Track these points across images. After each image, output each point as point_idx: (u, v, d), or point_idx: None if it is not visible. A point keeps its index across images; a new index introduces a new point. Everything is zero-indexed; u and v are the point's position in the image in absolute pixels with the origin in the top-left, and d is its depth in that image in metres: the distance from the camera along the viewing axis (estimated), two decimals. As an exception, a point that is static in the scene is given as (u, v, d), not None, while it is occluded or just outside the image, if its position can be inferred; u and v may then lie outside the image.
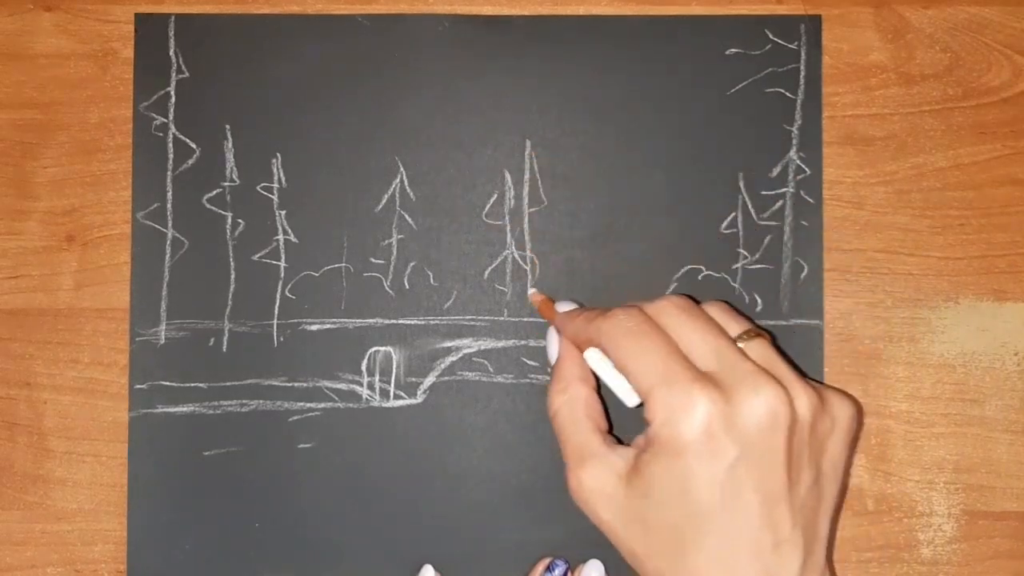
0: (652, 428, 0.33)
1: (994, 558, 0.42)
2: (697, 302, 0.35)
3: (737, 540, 0.32)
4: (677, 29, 0.42)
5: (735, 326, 0.35)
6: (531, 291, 0.42)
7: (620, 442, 0.35)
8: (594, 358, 0.36)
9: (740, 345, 0.34)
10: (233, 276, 0.42)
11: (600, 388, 0.37)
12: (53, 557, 0.42)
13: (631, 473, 0.34)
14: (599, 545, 0.41)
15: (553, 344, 0.38)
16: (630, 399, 0.35)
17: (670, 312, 0.35)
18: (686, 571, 0.32)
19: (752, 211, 0.42)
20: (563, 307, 0.38)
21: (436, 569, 0.41)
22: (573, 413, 0.36)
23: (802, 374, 0.34)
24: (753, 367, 0.33)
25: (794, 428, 0.33)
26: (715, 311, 0.36)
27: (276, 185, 0.42)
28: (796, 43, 0.42)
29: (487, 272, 0.42)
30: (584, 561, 0.40)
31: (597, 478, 0.34)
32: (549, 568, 0.40)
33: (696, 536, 0.32)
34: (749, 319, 0.36)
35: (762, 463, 0.32)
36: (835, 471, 0.34)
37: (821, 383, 0.35)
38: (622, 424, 0.37)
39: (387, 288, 0.42)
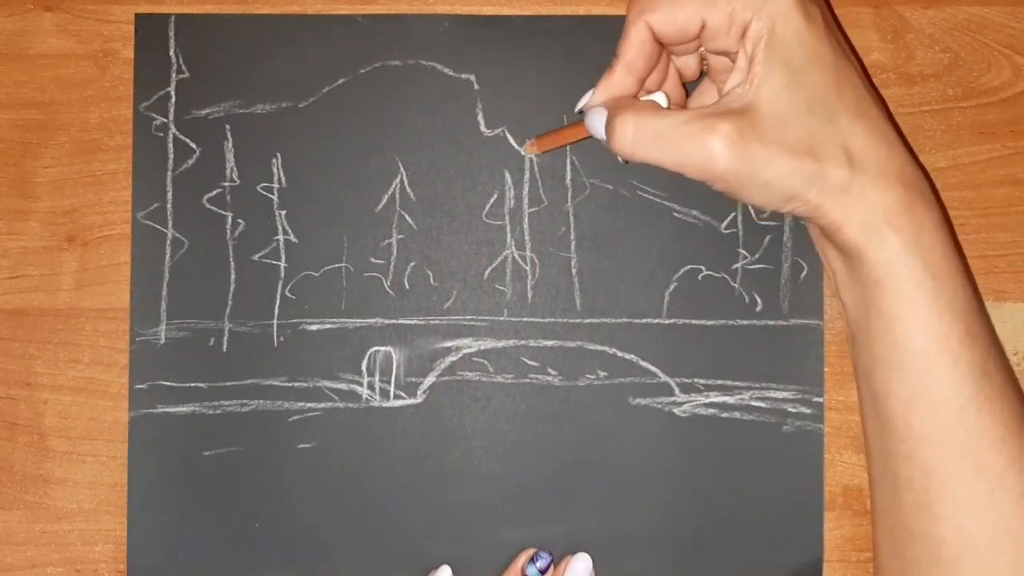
0: (757, 24, 0.32)
1: (994, 558, 0.42)
2: None
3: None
4: (677, 29, 0.42)
5: None
6: (527, 144, 0.41)
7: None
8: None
9: None
10: (233, 276, 0.42)
11: None
12: (53, 557, 0.42)
13: (748, 104, 0.33)
14: (597, 546, 0.41)
15: (600, 119, 0.36)
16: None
17: None
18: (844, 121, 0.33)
19: (752, 211, 0.42)
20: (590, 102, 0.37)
21: (428, 570, 0.41)
22: (652, 107, 0.35)
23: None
24: None
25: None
26: None
27: (276, 185, 0.42)
28: (796, 43, 0.42)
29: (487, 272, 0.42)
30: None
31: (742, 125, 0.33)
32: (532, 559, 0.40)
33: (846, 85, 0.33)
34: None
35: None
36: None
37: None
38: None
39: (387, 288, 0.42)
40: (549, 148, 0.40)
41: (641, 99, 0.36)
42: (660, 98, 0.36)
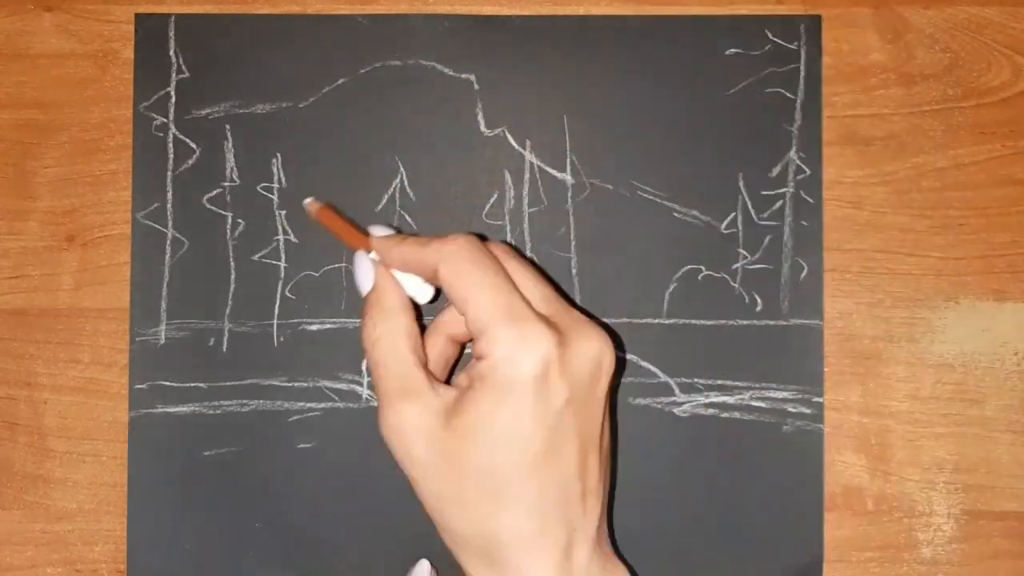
0: (485, 364, 0.32)
1: (994, 558, 0.42)
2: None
3: (554, 488, 0.32)
4: (677, 29, 0.42)
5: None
6: (307, 200, 0.38)
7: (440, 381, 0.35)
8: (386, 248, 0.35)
9: None
10: (233, 276, 0.42)
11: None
12: (53, 557, 0.42)
13: (452, 413, 0.32)
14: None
15: (367, 270, 0.36)
16: (423, 294, 0.35)
17: (505, 251, 0.35)
18: (496, 520, 0.32)
19: (752, 211, 0.42)
20: (378, 231, 0.36)
21: (433, 566, 0.41)
22: (395, 344, 0.34)
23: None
24: (580, 315, 0.34)
25: (610, 378, 0.33)
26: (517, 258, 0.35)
27: (276, 185, 0.42)
28: (796, 43, 0.42)
29: (487, 272, 0.42)
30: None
31: (419, 414, 0.33)
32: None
33: (518, 482, 0.31)
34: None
35: (585, 410, 0.32)
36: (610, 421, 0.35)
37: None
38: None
39: (387, 288, 0.42)
40: (323, 222, 0.37)
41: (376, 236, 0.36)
42: (384, 231, 0.36)
